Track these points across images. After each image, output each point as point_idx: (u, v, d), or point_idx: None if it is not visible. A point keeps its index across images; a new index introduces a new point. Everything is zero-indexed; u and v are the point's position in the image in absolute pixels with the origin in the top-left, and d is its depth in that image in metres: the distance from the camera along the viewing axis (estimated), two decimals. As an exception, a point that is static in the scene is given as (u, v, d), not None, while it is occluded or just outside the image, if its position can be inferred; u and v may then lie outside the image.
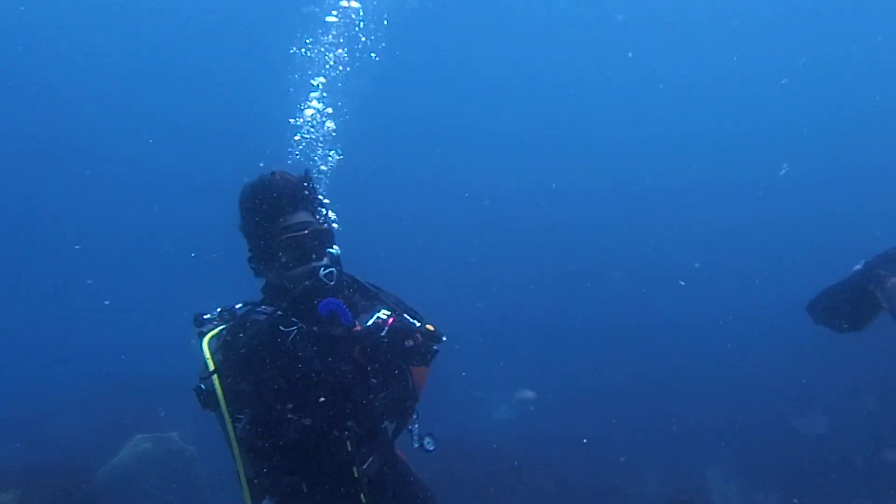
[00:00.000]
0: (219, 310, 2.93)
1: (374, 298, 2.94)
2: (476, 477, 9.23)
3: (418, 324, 2.73)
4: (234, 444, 2.67)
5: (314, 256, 2.84)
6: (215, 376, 2.68)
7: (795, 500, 8.62)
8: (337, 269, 2.84)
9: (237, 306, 2.92)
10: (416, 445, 2.94)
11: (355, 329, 2.79)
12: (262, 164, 3.00)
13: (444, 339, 2.73)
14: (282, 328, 2.73)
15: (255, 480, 2.72)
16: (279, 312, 2.77)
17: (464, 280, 25.95)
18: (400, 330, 2.64)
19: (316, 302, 2.74)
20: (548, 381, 16.53)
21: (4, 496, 7.70)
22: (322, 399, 2.65)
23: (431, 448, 2.89)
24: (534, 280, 26.84)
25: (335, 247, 2.95)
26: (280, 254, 2.81)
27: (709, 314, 21.73)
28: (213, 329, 2.88)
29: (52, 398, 13.56)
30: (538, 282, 26.77)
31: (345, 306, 2.75)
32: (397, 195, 29.11)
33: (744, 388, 14.12)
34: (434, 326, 2.73)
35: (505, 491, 8.90)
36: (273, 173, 2.94)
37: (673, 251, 27.79)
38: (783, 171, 26.11)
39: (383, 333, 2.63)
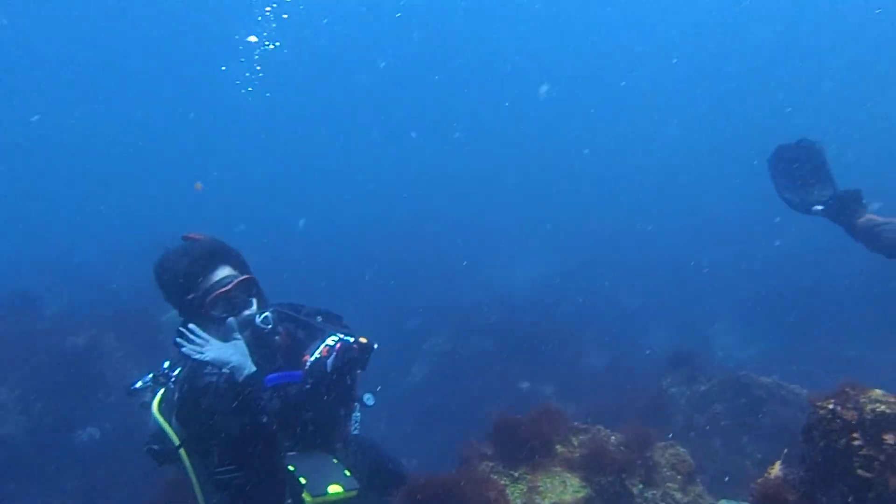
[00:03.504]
0: (151, 375, 3.08)
1: (312, 328, 3.20)
2: (495, 322, 10.03)
3: (352, 339, 3.08)
4: (197, 487, 2.90)
5: (245, 306, 3.01)
6: (182, 450, 2.87)
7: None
8: (271, 313, 3.06)
9: (165, 366, 3.07)
10: (355, 431, 3.32)
11: (305, 363, 3.02)
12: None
13: (376, 346, 3.14)
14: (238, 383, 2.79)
15: None
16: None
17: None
18: (345, 352, 3.02)
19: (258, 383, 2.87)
20: (568, 246, 17.27)
21: (76, 340, 8.57)
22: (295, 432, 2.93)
23: (371, 403, 3.28)
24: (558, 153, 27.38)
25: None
26: (213, 311, 2.95)
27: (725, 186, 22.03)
28: (155, 396, 3.03)
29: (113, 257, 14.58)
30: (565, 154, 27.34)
31: (286, 374, 3.00)
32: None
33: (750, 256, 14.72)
34: (366, 338, 3.12)
35: (521, 335, 9.63)
36: (184, 237, 3.10)
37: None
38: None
39: (332, 359, 2.98)
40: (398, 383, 9.35)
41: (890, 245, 4.21)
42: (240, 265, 3.13)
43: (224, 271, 3.04)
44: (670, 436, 4.47)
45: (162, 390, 3.04)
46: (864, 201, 4.48)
